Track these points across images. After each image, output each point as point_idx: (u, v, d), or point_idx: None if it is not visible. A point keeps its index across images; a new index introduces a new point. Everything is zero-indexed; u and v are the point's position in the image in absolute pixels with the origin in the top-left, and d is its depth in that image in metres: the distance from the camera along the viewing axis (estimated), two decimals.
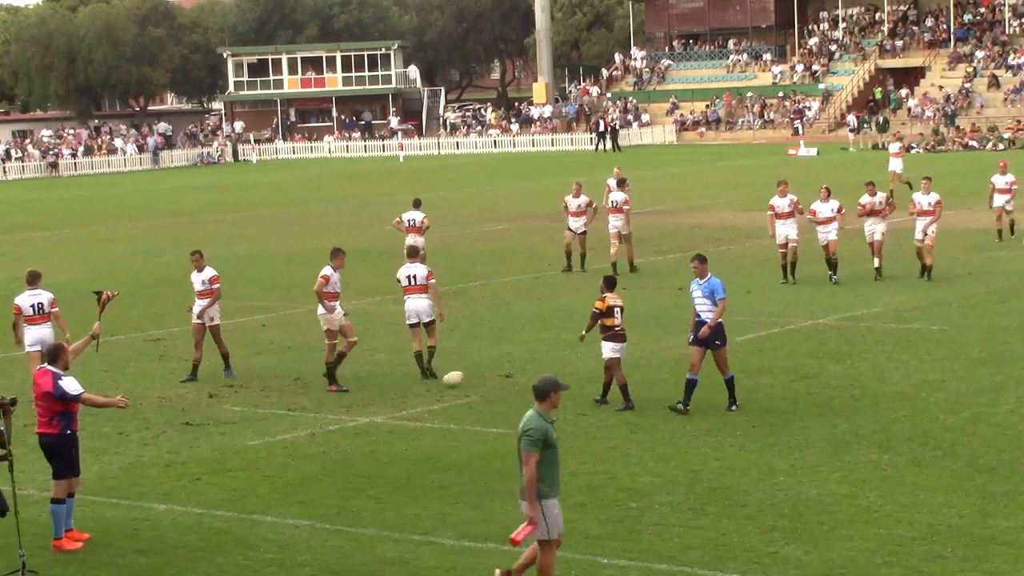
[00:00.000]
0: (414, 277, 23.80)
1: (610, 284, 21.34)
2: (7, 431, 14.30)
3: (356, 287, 34.63)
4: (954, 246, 37.40)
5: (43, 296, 22.78)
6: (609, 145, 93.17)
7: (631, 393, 21.06)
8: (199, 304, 24.47)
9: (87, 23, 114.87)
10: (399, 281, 24.04)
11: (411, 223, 34.47)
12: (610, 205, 35.85)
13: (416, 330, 23.81)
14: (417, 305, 23.70)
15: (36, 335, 22.53)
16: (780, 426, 19.62)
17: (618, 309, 21.09)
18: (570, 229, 36.35)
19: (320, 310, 23.55)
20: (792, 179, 63.38)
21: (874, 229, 32.61)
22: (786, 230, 32.42)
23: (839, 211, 32.36)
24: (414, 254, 24.53)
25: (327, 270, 23.47)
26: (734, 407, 20.62)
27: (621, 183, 36.46)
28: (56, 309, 22.90)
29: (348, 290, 34.38)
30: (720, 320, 20.54)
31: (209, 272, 24.61)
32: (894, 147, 55.92)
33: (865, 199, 32.88)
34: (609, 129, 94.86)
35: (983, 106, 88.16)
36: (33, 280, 22.95)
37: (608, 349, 21.04)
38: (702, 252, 22.22)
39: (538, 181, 67.58)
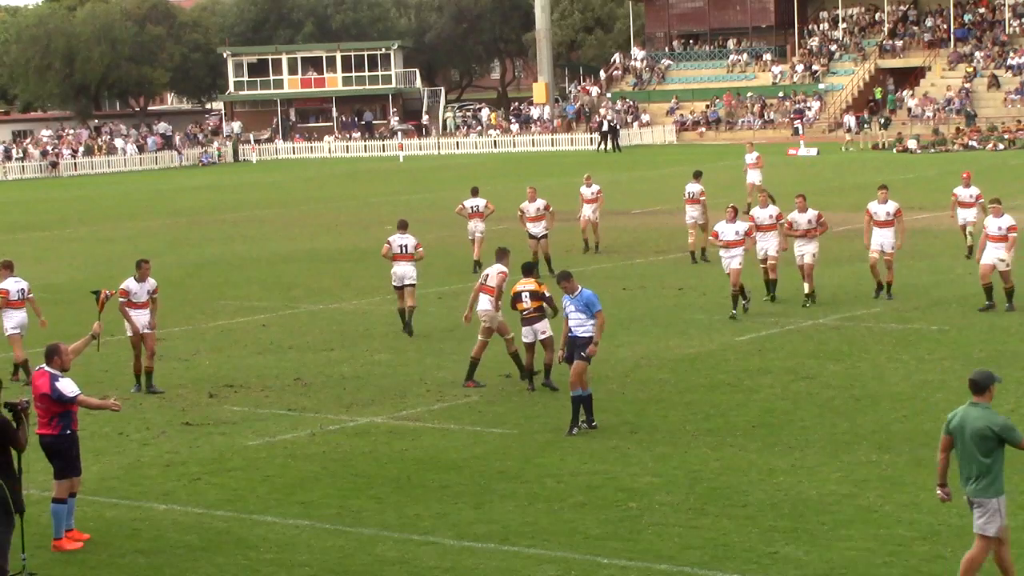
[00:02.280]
0: (405, 247, 28.16)
1: (526, 270, 22.46)
2: (23, 433, 14.34)
3: (356, 287, 34.66)
4: (954, 246, 37.36)
5: (24, 283, 24.79)
6: (610, 145, 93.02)
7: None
8: (143, 314, 23.55)
9: (86, 22, 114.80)
10: (390, 246, 28.23)
11: (474, 209, 37.32)
12: (687, 196, 37.41)
13: (400, 291, 28.05)
14: (403, 270, 28.01)
15: (19, 319, 24.53)
16: (780, 426, 19.62)
17: (526, 294, 21.84)
18: (532, 236, 35.86)
19: (484, 305, 23.12)
20: (792, 179, 63.38)
21: (804, 251, 29.05)
22: (766, 244, 29.59)
23: (748, 234, 28.53)
24: (404, 227, 28.67)
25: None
26: (583, 427, 19.62)
27: (697, 175, 38.24)
28: (32, 296, 24.89)
29: (348, 290, 34.50)
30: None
31: (153, 283, 23.89)
32: (750, 158, 48.43)
33: (794, 216, 29.28)
34: (610, 129, 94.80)
35: (961, 109, 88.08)
36: (11, 267, 24.83)
37: (523, 333, 22.15)
38: (566, 269, 21.83)
39: (538, 181, 67.54)
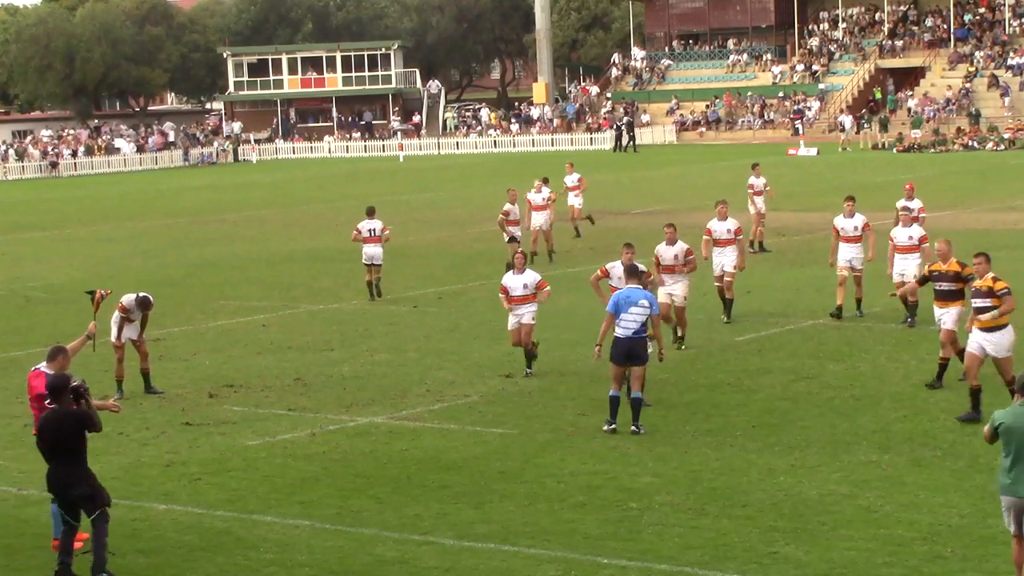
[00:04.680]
0: (374, 230, 32.59)
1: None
2: (95, 414, 14.46)
3: (356, 287, 34.64)
4: (954, 246, 37.30)
5: None
6: (617, 144, 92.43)
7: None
8: (133, 327, 23.33)
9: (85, 22, 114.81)
10: (360, 232, 32.57)
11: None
12: (760, 188, 38.85)
13: (369, 268, 32.48)
14: (372, 251, 32.44)
15: None
16: (780, 426, 19.62)
17: None
18: (514, 239, 35.06)
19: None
20: (792, 179, 63.39)
21: (673, 291, 25.14)
22: (723, 260, 27.55)
23: (539, 287, 23.70)
24: (371, 213, 33.04)
25: (613, 263, 22.56)
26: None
27: (755, 167, 39.62)
28: None
29: (348, 290, 34.49)
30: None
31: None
32: (571, 179, 43.57)
33: (660, 249, 25.19)
34: (615, 128, 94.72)
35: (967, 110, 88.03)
36: None
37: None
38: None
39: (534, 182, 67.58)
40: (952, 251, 21.63)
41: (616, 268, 22.30)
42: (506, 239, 35.76)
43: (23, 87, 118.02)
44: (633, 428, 19.56)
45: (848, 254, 27.33)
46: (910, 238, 26.39)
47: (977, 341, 19.61)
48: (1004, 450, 13.08)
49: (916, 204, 30.42)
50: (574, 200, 43.34)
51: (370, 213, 32.99)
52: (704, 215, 48.87)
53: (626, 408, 19.70)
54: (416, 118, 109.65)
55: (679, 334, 25.47)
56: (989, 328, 19.47)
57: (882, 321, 27.15)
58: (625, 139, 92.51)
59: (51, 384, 14.44)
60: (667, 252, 25.11)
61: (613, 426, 19.63)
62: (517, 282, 23.79)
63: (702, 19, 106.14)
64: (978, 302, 19.65)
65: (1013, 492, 12.91)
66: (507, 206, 35.84)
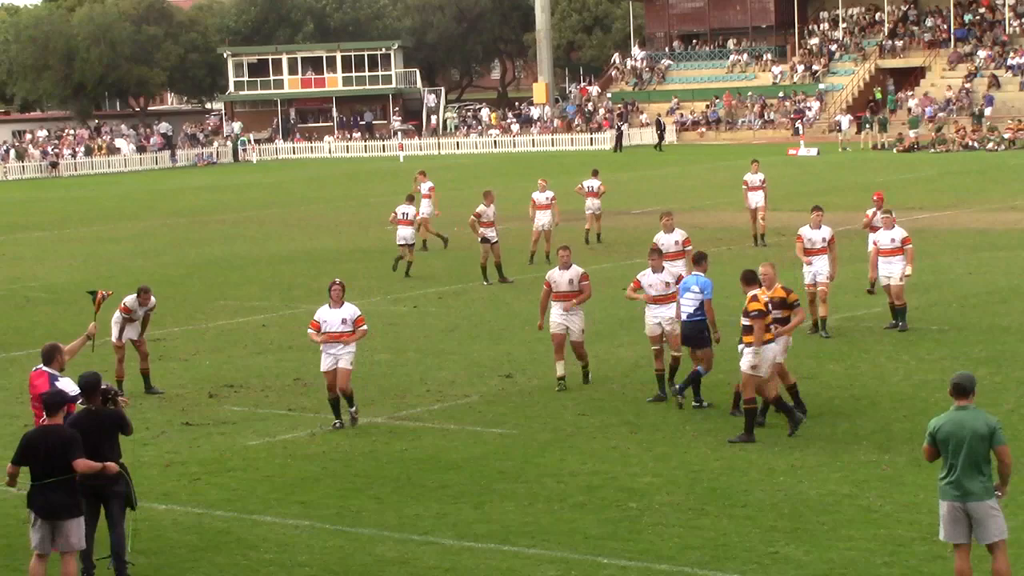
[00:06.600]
0: (407, 214, 36.73)
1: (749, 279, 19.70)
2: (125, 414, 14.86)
3: (356, 287, 34.63)
4: (954, 246, 37.39)
5: None
6: (618, 144, 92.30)
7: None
8: (135, 327, 23.38)
9: (83, 22, 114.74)
10: (396, 214, 36.77)
11: (590, 189, 42.30)
12: (757, 184, 40.21)
13: (401, 247, 36.12)
14: (404, 232, 36.30)
15: None
16: (780, 426, 19.61)
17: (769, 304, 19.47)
18: (486, 240, 34.28)
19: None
20: (792, 179, 63.38)
21: (570, 322, 22.30)
22: (676, 271, 24.45)
23: (357, 324, 20.47)
24: (410, 200, 37.74)
25: (644, 272, 22.04)
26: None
27: (753, 163, 41.40)
28: None
29: (348, 290, 34.39)
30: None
31: (153, 302, 23.60)
32: (425, 186, 41.99)
33: (554, 274, 22.51)
34: (616, 128, 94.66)
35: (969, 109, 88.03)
36: None
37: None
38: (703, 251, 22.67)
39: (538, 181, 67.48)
40: (777, 275, 20.09)
41: (646, 276, 21.86)
42: (479, 240, 35.06)
43: (22, 87, 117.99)
44: (691, 402, 20.88)
45: (812, 269, 25.84)
46: (892, 240, 25.95)
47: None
48: (943, 456, 13.02)
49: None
50: (425, 208, 41.49)
51: (409, 200, 37.74)
52: (703, 215, 48.95)
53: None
54: (433, 120, 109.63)
55: (559, 375, 22.46)
56: (750, 344, 18.97)
57: (882, 321, 27.13)
58: (653, 138, 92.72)
59: (84, 383, 14.55)
60: (562, 278, 22.48)
61: (659, 394, 21.32)
62: (334, 316, 20.41)
63: (702, 19, 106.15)
64: (745, 321, 19.14)
65: (960, 497, 12.82)
66: (480, 207, 34.79)
